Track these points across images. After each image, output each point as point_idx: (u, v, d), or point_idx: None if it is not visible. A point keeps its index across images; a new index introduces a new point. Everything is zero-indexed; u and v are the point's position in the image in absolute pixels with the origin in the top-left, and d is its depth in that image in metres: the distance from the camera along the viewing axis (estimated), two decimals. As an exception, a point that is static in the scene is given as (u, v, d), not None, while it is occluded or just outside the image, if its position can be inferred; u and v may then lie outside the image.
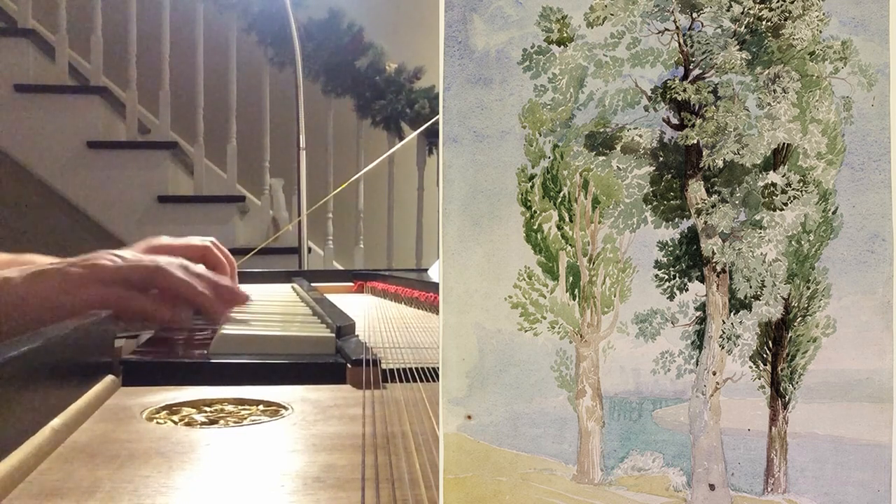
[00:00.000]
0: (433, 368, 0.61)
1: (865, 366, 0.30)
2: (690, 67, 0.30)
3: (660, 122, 0.30)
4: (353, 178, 2.08)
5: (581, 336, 0.31)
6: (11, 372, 0.39)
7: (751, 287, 0.30)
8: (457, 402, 0.31)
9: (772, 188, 0.30)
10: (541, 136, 0.31)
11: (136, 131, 3.41)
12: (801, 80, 0.30)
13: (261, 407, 0.53)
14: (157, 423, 0.49)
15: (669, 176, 0.31)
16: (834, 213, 0.30)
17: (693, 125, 0.30)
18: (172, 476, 0.39)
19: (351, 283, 1.50)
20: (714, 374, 0.30)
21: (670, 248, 0.31)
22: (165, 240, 0.94)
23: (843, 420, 0.30)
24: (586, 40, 0.30)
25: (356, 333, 0.78)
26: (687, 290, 0.31)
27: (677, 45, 0.30)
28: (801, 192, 0.30)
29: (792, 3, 0.30)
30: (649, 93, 0.30)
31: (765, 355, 0.30)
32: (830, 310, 0.30)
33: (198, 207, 3.39)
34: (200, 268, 0.85)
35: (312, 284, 1.31)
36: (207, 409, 0.53)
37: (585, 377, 0.31)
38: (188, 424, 0.49)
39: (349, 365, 0.62)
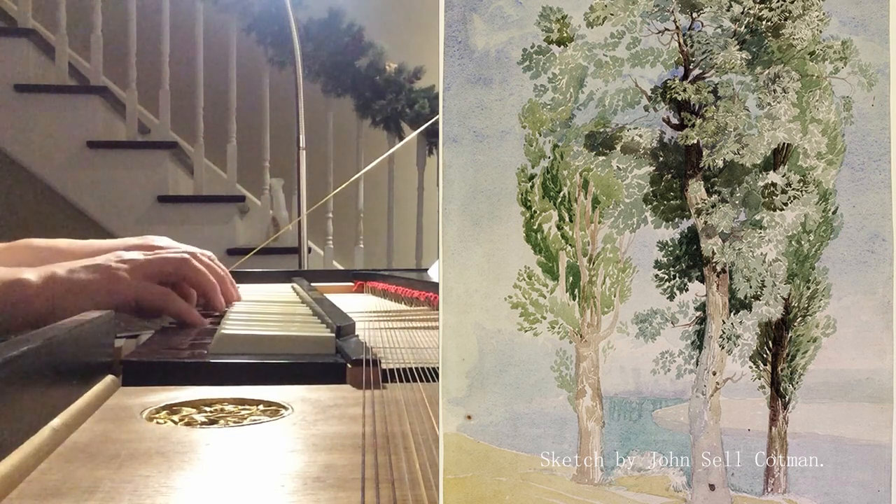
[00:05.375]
0: (433, 368, 0.61)
1: (865, 366, 0.30)
2: (690, 67, 0.30)
3: (660, 122, 0.30)
4: (353, 178, 2.08)
5: (581, 336, 0.31)
6: (11, 372, 0.39)
7: (751, 287, 0.30)
8: (457, 402, 0.31)
9: (772, 188, 0.30)
10: (541, 136, 0.31)
11: (136, 131, 3.41)
12: (801, 80, 0.30)
13: (261, 407, 0.53)
14: (157, 423, 0.49)
15: (669, 176, 0.31)
16: (834, 213, 0.30)
17: (693, 125, 0.30)
18: (172, 476, 0.39)
19: (351, 283, 1.50)
20: (714, 374, 0.30)
21: (670, 248, 0.31)
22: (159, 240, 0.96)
23: (843, 420, 0.30)
24: (586, 40, 0.30)
25: (356, 333, 0.78)
26: (687, 290, 0.31)
27: (677, 45, 0.30)
28: (801, 192, 0.30)
29: (792, 3, 0.30)
30: (649, 93, 0.30)
31: (765, 355, 0.30)
32: (830, 310, 0.30)
33: (198, 207, 3.39)
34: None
35: (312, 284, 1.31)
36: (207, 409, 0.53)
37: (585, 377, 0.31)
38: (188, 424, 0.49)
39: (349, 365, 0.62)
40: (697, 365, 0.30)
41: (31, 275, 0.79)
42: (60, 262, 0.83)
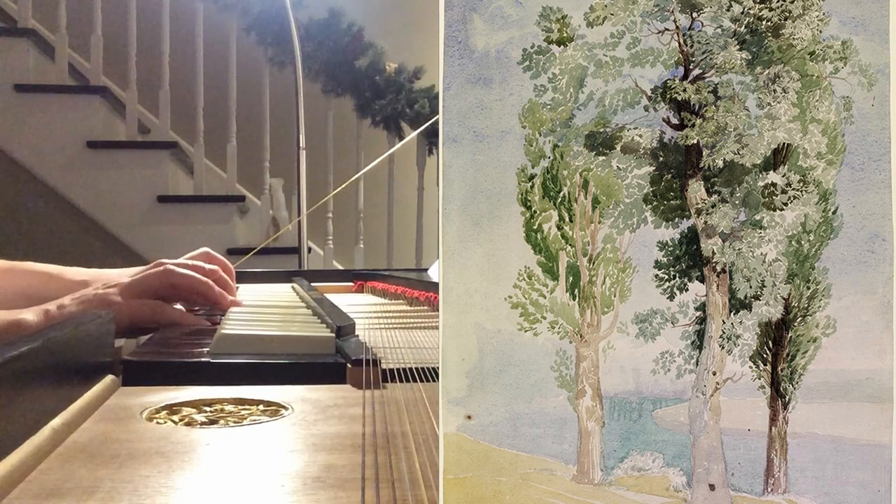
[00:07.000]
0: (433, 368, 0.61)
1: (865, 366, 0.30)
2: (690, 67, 0.30)
3: (660, 122, 0.30)
4: (353, 178, 2.08)
5: (581, 336, 0.31)
6: (11, 372, 0.39)
7: (751, 287, 0.30)
8: (457, 402, 0.31)
9: (772, 188, 0.30)
10: (541, 136, 0.31)
11: (136, 131, 3.41)
12: (801, 80, 0.30)
13: (261, 407, 0.53)
14: (157, 423, 0.49)
15: (669, 176, 0.31)
16: (834, 213, 0.30)
17: (693, 125, 0.30)
18: (172, 476, 0.39)
19: (351, 283, 1.50)
20: (714, 374, 0.30)
21: (670, 248, 0.31)
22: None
23: (843, 420, 0.30)
24: (586, 40, 0.30)
25: (356, 333, 0.78)
26: (687, 290, 0.31)
27: (677, 45, 0.30)
28: (801, 192, 0.30)
29: (792, 3, 0.30)
30: (649, 93, 0.30)
31: (765, 355, 0.30)
32: (830, 310, 0.30)
33: (198, 207, 3.39)
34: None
35: (312, 284, 1.31)
36: (207, 409, 0.53)
37: (585, 377, 0.31)
38: (188, 424, 0.49)
39: (349, 365, 0.62)
40: (697, 365, 0.30)
41: (29, 315, 0.83)
42: (52, 300, 0.86)
